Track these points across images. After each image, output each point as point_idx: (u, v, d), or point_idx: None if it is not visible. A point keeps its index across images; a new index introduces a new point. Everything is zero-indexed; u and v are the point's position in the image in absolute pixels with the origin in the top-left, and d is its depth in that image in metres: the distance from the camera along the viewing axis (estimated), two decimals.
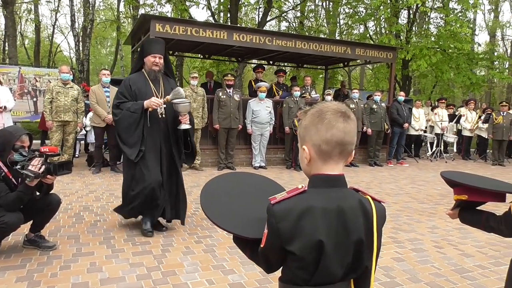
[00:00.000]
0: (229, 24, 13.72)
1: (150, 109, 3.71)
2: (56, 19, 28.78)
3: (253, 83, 9.76)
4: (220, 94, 8.05)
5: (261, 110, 8.32)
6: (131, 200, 3.83)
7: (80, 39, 18.01)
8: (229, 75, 8.47)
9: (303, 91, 9.63)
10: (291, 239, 1.08)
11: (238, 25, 17.07)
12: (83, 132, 8.71)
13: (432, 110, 12.22)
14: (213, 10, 16.38)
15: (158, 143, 3.81)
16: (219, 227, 1.30)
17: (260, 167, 8.50)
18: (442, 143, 11.50)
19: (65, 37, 28.78)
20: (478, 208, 1.77)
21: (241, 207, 1.42)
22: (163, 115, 3.82)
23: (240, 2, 14.73)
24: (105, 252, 3.41)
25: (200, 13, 51.22)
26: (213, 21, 15.80)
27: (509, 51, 27.26)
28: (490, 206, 1.87)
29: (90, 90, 7.31)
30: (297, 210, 1.09)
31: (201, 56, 11.93)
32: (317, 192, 1.13)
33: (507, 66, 18.69)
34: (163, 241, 3.77)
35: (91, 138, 8.38)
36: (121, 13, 22.10)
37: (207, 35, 8.01)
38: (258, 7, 17.63)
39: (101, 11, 26.64)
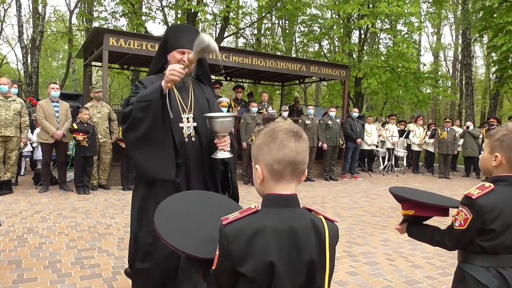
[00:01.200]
0: None
1: (169, 86, 2.11)
2: (2, 29, 27.32)
3: None
4: None
5: None
6: (137, 273, 2.34)
7: (29, 51, 17.18)
8: None
9: (260, 107, 9.74)
10: (243, 260, 1.06)
11: None
12: (30, 148, 8.23)
13: (383, 125, 12.77)
14: (169, 25, 16.27)
15: (184, 184, 2.30)
16: (169, 245, 1.27)
17: None
18: (393, 158, 12.01)
19: (12, 48, 27.32)
20: (425, 222, 1.84)
21: (195, 226, 1.40)
22: (192, 138, 2.33)
23: (197, 18, 14.75)
24: (49, 277, 3.19)
25: (157, 28, 50.78)
26: None
27: (451, 71, 29.25)
28: (434, 221, 1.95)
29: (38, 105, 6.94)
30: (249, 231, 1.07)
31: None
32: (269, 212, 1.13)
33: (449, 84, 20.00)
34: (114, 263, 3.59)
35: (38, 155, 7.92)
36: (73, 25, 21.40)
37: None
38: (215, 23, 17.74)
39: (52, 22, 25.66)
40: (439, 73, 22.39)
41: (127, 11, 13.85)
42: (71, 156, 7.68)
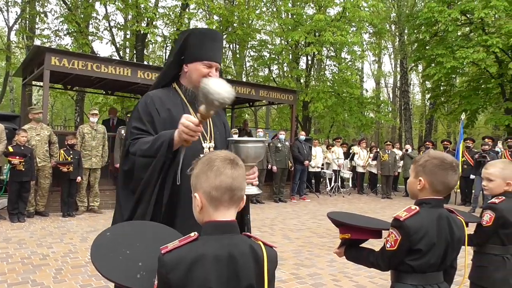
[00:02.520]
0: (135, 61, 13.47)
1: (184, 145, 1.72)
2: None
3: None
4: (123, 131, 7.74)
5: None
6: None
7: None
8: None
9: None
10: None
11: (146, 62, 16.87)
12: None
13: (328, 148, 13.24)
14: (118, 46, 15.97)
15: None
16: (104, 277, 1.24)
17: None
18: (339, 179, 12.45)
19: None
20: (361, 245, 1.93)
21: (134, 257, 1.37)
22: None
23: (146, 40, 14.63)
24: None
25: (104, 48, 49.54)
26: (117, 57, 15.36)
27: (391, 96, 31.18)
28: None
29: None
30: (188, 259, 1.08)
31: (104, 92, 11.41)
32: (209, 239, 1.14)
33: (390, 109, 21.28)
34: None
35: None
36: (12, 42, 20.30)
37: (109, 71, 7.74)
38: (165, 45, 17.68)
39: None
40: (381, 98, 23.81)
41: (72, 30, 13.43)
42: (5, 181, 7.16)
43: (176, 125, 1.69)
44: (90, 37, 14.25)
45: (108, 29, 15.16)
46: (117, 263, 1.30)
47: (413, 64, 18.15)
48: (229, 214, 1.18)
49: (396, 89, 27.42)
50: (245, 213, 1.97)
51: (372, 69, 31.72)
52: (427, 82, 18.11)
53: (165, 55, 18.93)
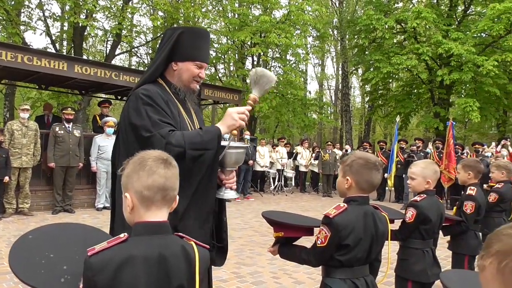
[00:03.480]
0: (73, 55, 12.77)
1: (234, 134, 1.82)
2: None
3: (97, 118, 9.18)
4: (57, 129, 7.31)
5: (109, 146, 7.83)
6: None
7: None
8: (69, 108, 7.80)
9: None
10: None
11: (85, 56, 16.05)
12: None
13: (273, 147, 13.47)
14: (53, 38, 15.02)
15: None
16: (24, 282, 1.18)
17: (104, 207, 7.88)
18: (283, 178, 12.71)
19: None
20: (295, 243, 2.00)
21: (59, 260, 1.31)
22: None
23: (85, 33, 13.91)
24: None
25: (38, 40, 46.38)
26: (53, 50, 14.45)
27: (333, 98, 32.42)
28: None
29: None
30: (116, 261, 1.06)
31: (37, 87, 10.68)
32: (139, 240, 1.13)
33: (332, 111, 22.11)
34: None
35: None
36: None
37: (43, 64, 7.26)
38: (106, 39, 16.93)
39: None
40: (324, 100, 24.67)
41: (0, 18, 12.42)
42: None
43: (178, 122, 1.85)
44: (21, 27, 13.26)
45: (42, 19, 14.22)
46: (38, 267, 1.24)
47: (353, 68, 19.04)
48: (160, 215, 1.18)
49: (338, 91, 28.54)
50: (222, 216, 2.02)
51: (316, 72, 32.77)
52: (366, 86, 19.06)
53: (106, 50, 18.12)
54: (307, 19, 14.85)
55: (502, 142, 10.35)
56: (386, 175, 10.98)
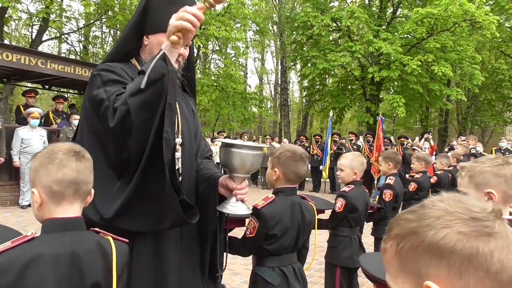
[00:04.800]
0: None
1: (176, 46, 1.31)
2: None
3: (22, 108, 8.50)
4: None
5: (33, 139, 7.29)
6: None
7: None
8: None
9: None
10: None
11: (6, 41, 14.72)
12: None
13: (212, 141, 13.41)
14: None
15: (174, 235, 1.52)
16: None
17: (29, 205, 7.35)
18: (223, 171, 12.71)
19: None
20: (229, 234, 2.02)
21: None
22: (179, 172, 1.55)
23: (6, 15, 12.75)
24: None
25: None
26: None
27: (273, 93, 32.99)
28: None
29: None
30: (21, 261, 1.00)
31: None
32: (48, 238, 1.07)
33: (271, 105, 22.49)
34: None
35: None
36: None
37: None
38: (31, 23, 15.65)
39: None
40: (264, 94, 25.05)
41: None
42: None
43: None
44: None
45: None
46: None
47: (291, 64, 19.48)
48: (72, 210, 1.13)
49: (277, 86, 29.10)
50: (220, 232, 1.63)
51: (256, 66, 33.07)
52: (304, 81, 19.64)
53: (32, 35, 16.75)
54: (247, 13, 14.90)
55: (425, 136, 11.26)
56: (321, 167, 11.46)
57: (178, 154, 1.54)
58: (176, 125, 1.58)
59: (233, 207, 1.41)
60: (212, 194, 1.50)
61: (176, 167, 1.47)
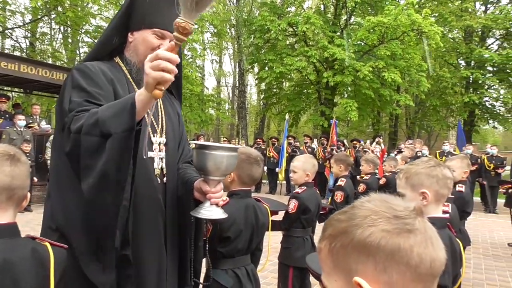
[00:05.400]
0: None
1: (156, 96, 1.15)
2: None
3: None
4: None
5: None
6: None
7: None
8: None
9: (31, 121, 8.53)
10: None
11: None
12: None
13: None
14: None
15: (158, 240, 1.49)
16: None
17: None
18: None
19: None
20: None
21: None
22: (164, 177, 1.53)
23: None
24: None
25: None
26: None
27: (231, 95, 32.99)
28: None
29: None
30: None
31: None
32: None
33: (229, 107, 22.47)
34: None
35: None
36: None
37: None
38: None
39: None
40: (222, 96, 24.98)
41: None
42: None
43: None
44: None
45: None
46: None
47: (249, 67, 19.58)
48: (6, 217, 1.08)
49: (235, 88, 29.14)
50: (198, 239, 1.58)
51: (214, 68, 32.91)
52: (261, 84, 19.80)
53: None
54: (204, 14, 14.78)
55: (376, 139, 11.75)
56: (277, 169, 11.60)
57: (162, 154, 1.50)
58: (160, 124, 1.54)
59: (207, 211, 1.38)
60: (188, 198, 1.46)
61: (160, 166, 1.48)
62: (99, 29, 17.68)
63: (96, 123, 1.17)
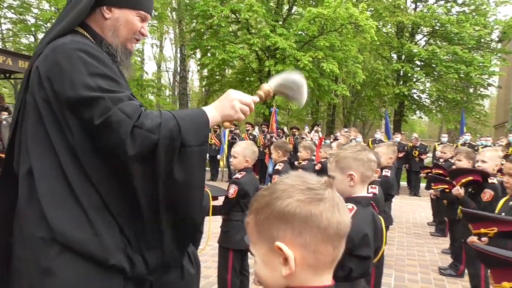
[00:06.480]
0: None
1: (226, 126, 1.42)
2: None
3: None
4: None
5: None
6: None
7: None
8: None
9: None
10: None
11: None
12: None
13: None
14: None
15: None
16: None
17: None
18: None
19: None
20: None
21: None
22: None
23: None
24: None
25: None
26: None
27: (171, 81, 32.22)
28: None
29: None
30: None
31: None
32: None
33: (169, 94, 21.95)
34: None
35: None
36: None
37: None
38: None
39: None
40: (162, 82, 24.31)
41: None
42: None
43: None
44: None
45: None
46: None
47: (191, 52, 19.23)
48: None
49: (177, 74, 28.50)
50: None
51: (154, 52, 31.89)
52: (203, 71, 19.59)
53: None
54: None
55: (315, 128, 12.21)
56: (218, 156, 11.65)
57: None
58: None
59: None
60: None
61: None
62: (25, 5, 16.31)
63: (178, 130, 1.20)
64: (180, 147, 1.21)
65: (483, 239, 2.31)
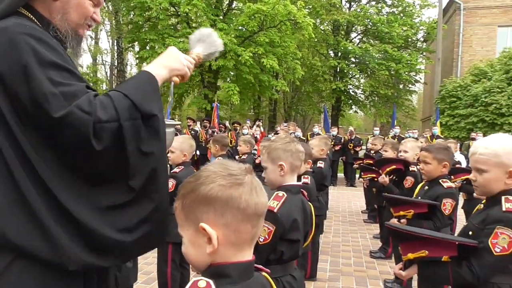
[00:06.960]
0: None
1: (176, 82, 1.37)
2: None
3: None
4: None
5: None
6: None
7: None
8: None
9: None
10: None
11: None
12: None
13: None
14: None
15: None
16: None
17: None
18: None
19: None
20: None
21: None
22: None
23: None
24: None
25: None
26: None
27: (108, 74, 30.84)
28: None
29: None
30: None
31: None
32: None
33: (106, 88, 21.03)
34: None
35: None
36: None
37: None
38: None
39: None
40: (98, 75, 23.17)
41: None
42: None
43: None
44: None
45: None
46: None
47: (129, 45, 18.56)
48: None
49: (114, 67, 27.32)
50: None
51: (89, 44, 30.24)
52: (143, 64, 18.99)
53: None
54: None
55: (257, 122, 12.40)
56: None
57: None
58: None
59: None
60: None
61: None
62: None
63: (132, 106, 1.13)
64: (142, 120, 1.16)
65: (402, 220, 2.56)
